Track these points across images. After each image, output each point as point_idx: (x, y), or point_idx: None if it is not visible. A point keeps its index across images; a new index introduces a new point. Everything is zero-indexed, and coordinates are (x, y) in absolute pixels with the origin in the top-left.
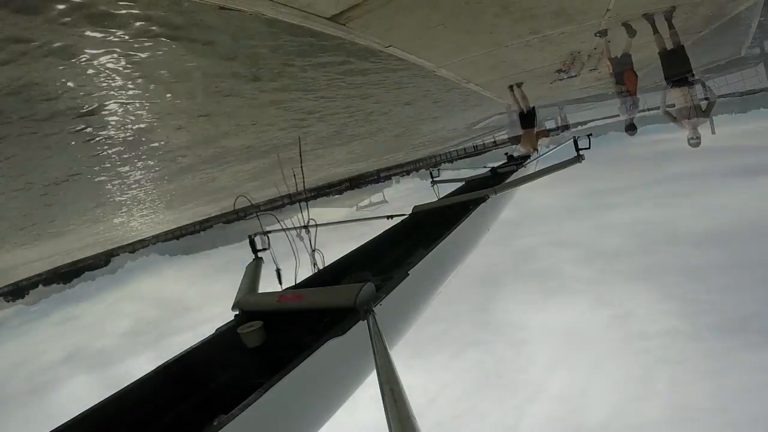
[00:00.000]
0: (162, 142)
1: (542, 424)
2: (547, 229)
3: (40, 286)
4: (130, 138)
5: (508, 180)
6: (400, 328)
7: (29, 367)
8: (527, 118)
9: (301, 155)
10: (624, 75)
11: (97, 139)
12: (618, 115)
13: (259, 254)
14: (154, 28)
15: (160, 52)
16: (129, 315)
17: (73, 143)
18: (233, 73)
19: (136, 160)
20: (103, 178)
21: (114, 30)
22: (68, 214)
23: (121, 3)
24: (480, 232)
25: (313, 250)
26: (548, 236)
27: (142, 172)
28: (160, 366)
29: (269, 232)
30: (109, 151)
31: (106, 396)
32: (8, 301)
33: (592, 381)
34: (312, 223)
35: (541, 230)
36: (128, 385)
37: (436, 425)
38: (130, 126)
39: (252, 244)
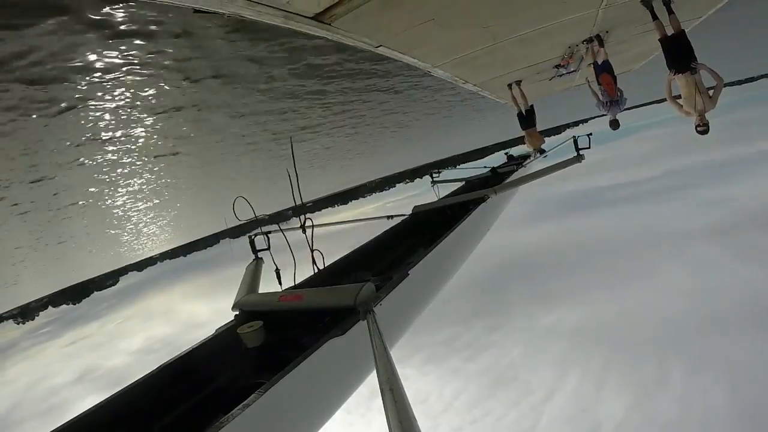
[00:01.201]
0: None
1: (560, 423)
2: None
3: (50, 307)
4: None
5: (508, 180)
6: (400, 328)
7: (41, 388)
8: (528, 117)
9: (293, 155)
10: (601, 77)
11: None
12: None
13: (259, 254)
14: None
15: None
16: (139, 333)
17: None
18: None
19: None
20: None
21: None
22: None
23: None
24: (480, 232)
25: (313, 251)
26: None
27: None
28: (160, 366)
29: (269, 232)
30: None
31: (107, 396)
32: (18, 323)
33: (606, 378)
34: (309, 224)
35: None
36: (129, 385)
37: (453, 431)
38: None
39: (252, 244)
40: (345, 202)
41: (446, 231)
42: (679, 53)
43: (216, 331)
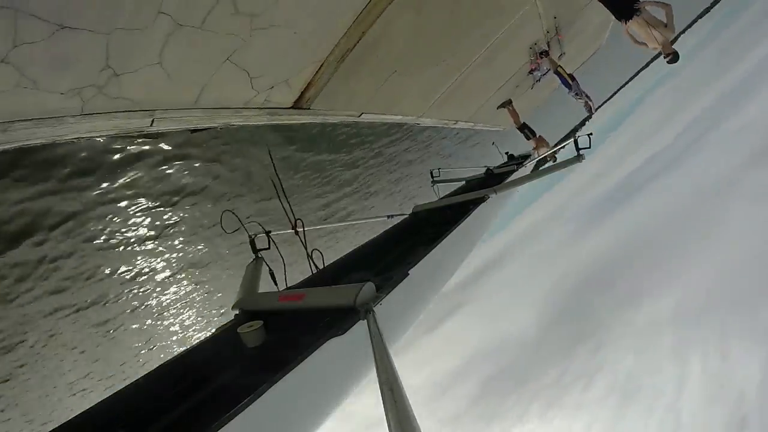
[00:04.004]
0: None
1: (703, 410)
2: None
3: None
4: None
5: (508, 180)
6: (400, 328)
7: None
8: (527, 130)
9: (273, 163)
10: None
11: None
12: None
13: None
14: None
15: None
16: None
17: None
18: None
19: None
20: None
21: None
22: None
23: None
24: (480, 232)
25: (312, 251)
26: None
27: None
28: (160, 366)
29: (270, 232)
30: None
31: (106, 396)
32: None
33: (728, 345)
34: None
35: None
36: (128, 385)
37: None
38: None
39: (252, 243)
40: None
41: (446, 231)
42: (619, 3)
43: (216, 330)
